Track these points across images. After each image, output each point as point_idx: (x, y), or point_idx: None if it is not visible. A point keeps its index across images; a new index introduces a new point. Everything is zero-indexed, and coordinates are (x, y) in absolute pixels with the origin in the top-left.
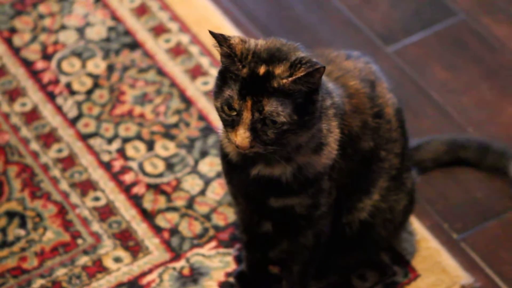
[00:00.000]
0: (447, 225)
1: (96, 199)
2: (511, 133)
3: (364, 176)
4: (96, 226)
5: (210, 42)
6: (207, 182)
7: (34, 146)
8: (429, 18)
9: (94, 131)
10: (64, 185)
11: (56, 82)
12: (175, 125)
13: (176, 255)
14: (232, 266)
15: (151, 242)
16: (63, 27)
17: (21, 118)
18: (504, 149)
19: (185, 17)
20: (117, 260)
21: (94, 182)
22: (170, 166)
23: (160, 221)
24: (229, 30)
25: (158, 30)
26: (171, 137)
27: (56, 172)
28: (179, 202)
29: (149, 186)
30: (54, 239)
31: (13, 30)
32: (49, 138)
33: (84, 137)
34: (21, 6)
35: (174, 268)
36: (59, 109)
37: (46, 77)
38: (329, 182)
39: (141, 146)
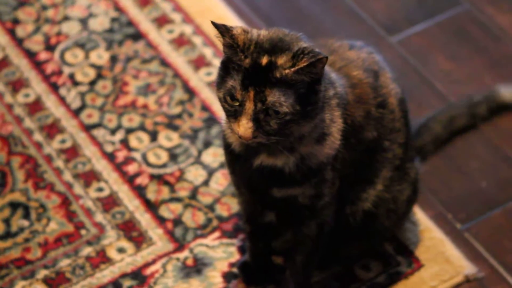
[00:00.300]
0: (451, 215)
1: (100, 189)
2: None
3: (368, 166)
4: (99, 217)
5: (213, 32)
6: (211, 172)
7: (38, 137)
8: (432, 8)
9: (97, 122)
10: (67, 176)
11: (59, 73)
12: (179, 116)
13: (180, 245)
14: (236, 257)
15: (155, 232)
16: (66, 18)
17: (25, 109)
18: (485, 94)
19: (188, 8)
20: (121, 250)
21: (97, 172)
22: (173, 156)
23: (164, 211)
24: (232, 20)
25: (161, 21)
26: (175, 128)
27: (59, 163)
28: (183, 193)
29: (152, 177)
30: (57, 229)
31: (16, 21)
32: (52, 129)
33: (88, 128)
34: None
35: (177, 259)
36: (62, 100)
37: (49, 68)
38: (332, 172)
39: (145, 137)
